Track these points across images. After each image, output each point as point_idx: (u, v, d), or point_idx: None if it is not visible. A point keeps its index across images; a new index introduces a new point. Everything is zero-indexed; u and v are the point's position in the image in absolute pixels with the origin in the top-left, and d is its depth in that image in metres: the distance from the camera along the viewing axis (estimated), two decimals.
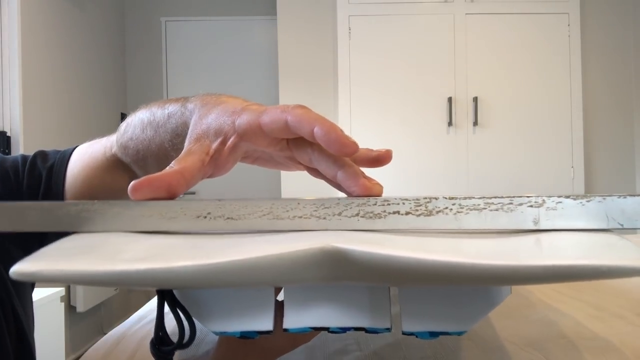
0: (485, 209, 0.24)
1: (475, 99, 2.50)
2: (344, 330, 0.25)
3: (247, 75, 3.13)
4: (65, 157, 0.45)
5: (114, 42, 3.05)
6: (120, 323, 0.62)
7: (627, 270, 0.18)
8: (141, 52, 3.19)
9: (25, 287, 0.47)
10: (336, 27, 2.56)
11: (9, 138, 2.04)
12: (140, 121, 0.38)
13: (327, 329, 0.25)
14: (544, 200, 0.24)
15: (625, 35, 2.66)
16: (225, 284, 0.23)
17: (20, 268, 0.20)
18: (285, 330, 0.25)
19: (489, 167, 2.53)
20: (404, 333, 0.25)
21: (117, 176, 0.42)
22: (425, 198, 0.25)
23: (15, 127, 2.06)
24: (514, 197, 0.24)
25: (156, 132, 0.37)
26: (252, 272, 0.21)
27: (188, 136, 0.32)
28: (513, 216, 0.24)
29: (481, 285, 0.24)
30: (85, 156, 0.45)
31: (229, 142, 0.31)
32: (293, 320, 0.25)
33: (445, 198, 0.25)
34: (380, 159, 0.33)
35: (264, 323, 0.25)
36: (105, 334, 0.58)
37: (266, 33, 3.11)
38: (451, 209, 0.24)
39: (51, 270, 0.20)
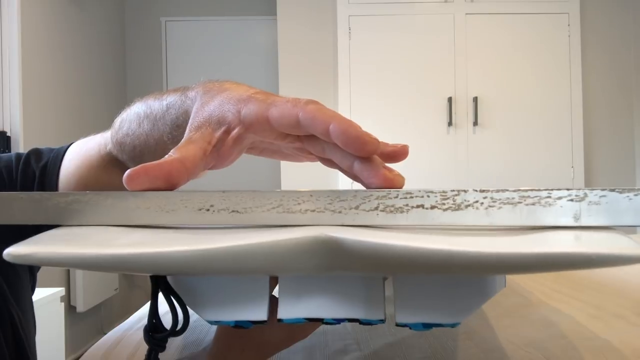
0: (520, 202, 0.22)
1: (475, 99, 2.50)
2: (338, 321, 0.25)
3: (247, 75, 3.13)
4: (59, 155, 0.44)
5: (114, 42, 3.05)
6: (120, 323, 0.62)
7: (617, 258, 0.18)
8: (141, 52, 3.19)
9: (25, 290, 0.46)
10: (336, 27, 2.56)
11: (9, 138, 2.04)
12: (136, 115, 0.36)
13: (321, 320, 0.25)
14: (585, 193, 0.22)
15: (625, 35, 2.65)
16: (219, 271, 0.22)
17: (15, 250, 0.20)
18: (280, 320, 0.25)
19: (489, 167, 2.52)
20: (397, 324, 0.25)
21: (113, 175, 0.40)
22: (453, 190, 0.22)
23: (15, 127, 2.06)
24: (552, 189, 0.22)
25: (154, 126, 0.34)
26: (245, 259, 0.20)
27: (189, 124, 0.30)
28: (551, 211, 0.22)
29: (475, 274, 0.24)
30: (79, 154, 0.42)
31: (233, 133, 0.29)
32: (287, 311, 0.25)
33: (476, 191, 0.22)
34: (395, 154, 0.30)
35: (259, 313, 0.25)
36: (105, 334, 0.58)
37: (266, 33, 3.11)
38: (482, 203, 0.22)
39: (46, 252, 0.20)
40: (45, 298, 1.63)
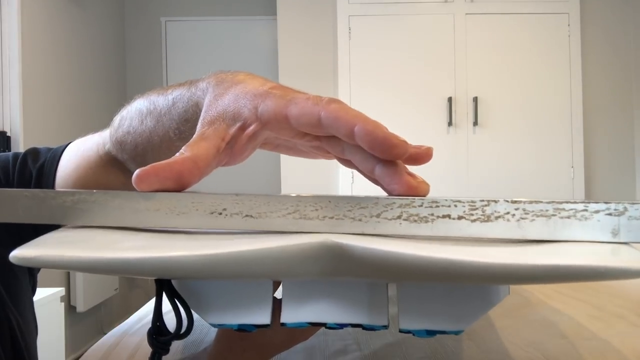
0: (554, 215, 0.21)
1: (475, 99, 2.50)
2: (341, 326, 0.25)
3: None
4: (56, 155, 0.42)
5: (114, 42, 3.05)
6: (120, 323, 0.62)
7: (624, 272, 0.18)
8: (141, 52, 3.19)
9: (24, 293, 0.45)
10: (336, 27, 2.56)
11: (9, 138, 2.04)
12: (137, 112, 0.35)
13: (324, 324, 0.25)
14: (625, 207, 0.20)
15: (625, 35, 2.65)
16: (225, 276, 0.22)
17: (20, 253, 0.20)
18: (283, 324, 0.24)
19: (488, 167, 2.52)
20: (401, 331, 0.24)
21: (112, 176, 0.39)
22: (482, 200, 0.21)
23: (15, 127, 2.06)
24: (589, 202, 0.21)
25: (158, 122, 0.33)
26: (249, 265, 0.20)
27: (201, 118, 0.28)
28: (587, 225, 0.21)
29: (481, 284, 0.24)
30: (77, 154, 0.41)
31: (249, 130, 0.27)
32: (291, 315, 0.24)
33: (507, 201, 0.21)
34: (418, 157, 0.28)
35: (262, 316, 0.24)
36: (105, 334, 0.58)
37: (266, 33, 3.11)
38: (514, 215, 0.21)
39: (51, 255, 0.20)
40: (45, 298, 1.64)
